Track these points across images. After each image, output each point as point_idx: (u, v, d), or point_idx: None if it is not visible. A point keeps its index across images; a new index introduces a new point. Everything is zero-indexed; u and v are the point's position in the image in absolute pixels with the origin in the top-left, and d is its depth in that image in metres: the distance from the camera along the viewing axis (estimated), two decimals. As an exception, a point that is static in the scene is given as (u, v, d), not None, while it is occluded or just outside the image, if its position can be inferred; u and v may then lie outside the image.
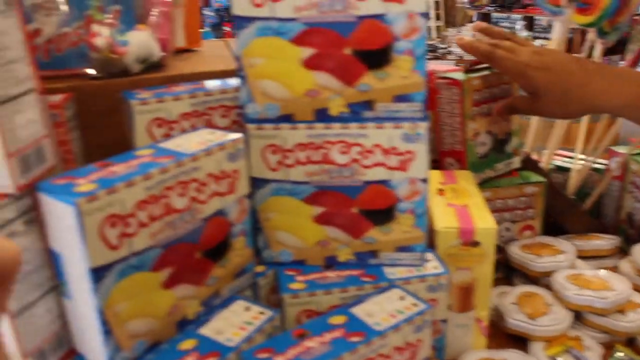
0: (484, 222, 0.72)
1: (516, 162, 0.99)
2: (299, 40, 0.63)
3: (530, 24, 5.44)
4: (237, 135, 0.62)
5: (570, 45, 1.16)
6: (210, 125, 0.70)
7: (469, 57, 0.92)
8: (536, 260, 0.88)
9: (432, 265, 0.70)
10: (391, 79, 0.63)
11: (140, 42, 0.76)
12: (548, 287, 0.86)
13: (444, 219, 0.72)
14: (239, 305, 0.65)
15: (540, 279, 0.89)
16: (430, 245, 0.72)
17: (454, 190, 0.81)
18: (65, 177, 0.52)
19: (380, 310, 0.62)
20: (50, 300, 0.57)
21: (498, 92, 0.94)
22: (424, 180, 0.67)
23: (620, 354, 0.76)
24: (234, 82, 0.72)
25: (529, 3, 5.69)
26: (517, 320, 0.79)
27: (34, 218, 0.54)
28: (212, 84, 0.72)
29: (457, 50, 4.57)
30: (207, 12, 7.50)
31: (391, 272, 0.70)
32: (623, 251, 0.98)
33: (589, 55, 1.08)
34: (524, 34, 5.08)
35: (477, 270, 0.73)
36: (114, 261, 0.52)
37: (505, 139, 0.97)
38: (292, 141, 0.66)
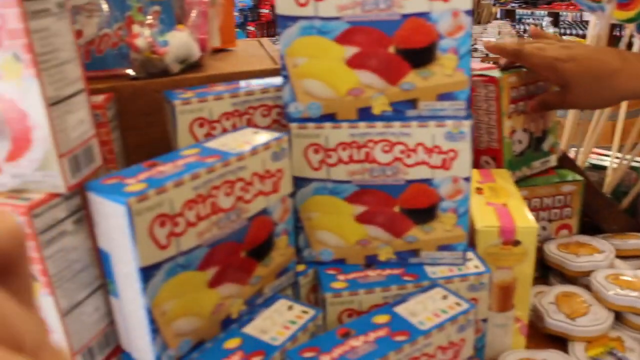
0: (525, 221, 0.71)
1: (553, 160, 0.98)
2: (343, 39, 0.63)
3: (556, 20, 5.39)
4: (281, 135, 0.62)
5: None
6: (251, 124, 0.70)
7: (494, 55, 0.92)
8: (574, 260, 0.87)
9: (473, 264, 0.70)
10: (435, 78, 0.63)
11: (179, 42, 0.76)
12: (586, 286, 0.85)
13: (484, 218, 0.72)
14: (281, 304, 0.65)
15: (579, 279, 0.88)
16: (470, 244, 0.72)
17: (492, 189, 0.80)
18: (115, 177, 0.53)
19: (423, 309, 0.62)
20: (98, 298, 0.57)
21: (534, 89, 0.93)
22: (467, 179, 0.66)
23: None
24: (274, 81, 0.72)
25: (555, -1, 5.66)
26: (556, 320, 0.78)
27: (83, 217, 0.55)
28: (252, 83, 0.72)
29: (483, 47, 4.54)
30: (231, 12, 7.52)
31: (432, 271, 0.70)
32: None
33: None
34: (551, 30, 5.04)
35: (517, 270, 0.72)
36: (162, 260, 0.52)
37: (542, 137, 0.96)
38: (335, 140, 0.66)
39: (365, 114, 0.66)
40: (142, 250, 0.50)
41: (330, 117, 0.66)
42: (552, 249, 0.91)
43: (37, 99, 0.47)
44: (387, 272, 0.70)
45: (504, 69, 0.91)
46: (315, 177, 0.68)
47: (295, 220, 0.69)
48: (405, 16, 0.61)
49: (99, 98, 0.67)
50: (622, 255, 0.93)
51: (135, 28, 0.74)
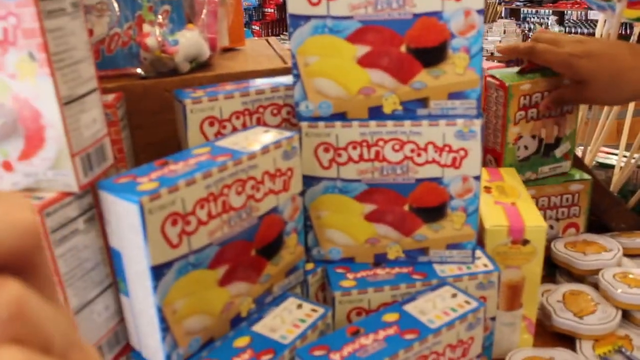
0: (534, 220, 0.71)
1: (565, 166, 0.97)
2: (354, 38, 0.63)
3: (561, 18, 5.38)
4: (292, 134, 0.63)
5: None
6: (260, 123, 0.70)
7: (498, 54, 0.92)
8: (582, 258, 0.87)
9: (482, 263, 0.70)
10: (446, 77, 0.63)
11: (189, 41, 0.76)
12: (594, 285, 0.85)
13: (493, 217, 0.72)
14: (291, 302, 0.65)
15: (586, 277, 0.88)
16: (479, 243, 0.72)
17: (500, 188, 0.80)
18: (127, 176, 0.53)
19: (433, 307, 0.62)
20: (108, 297, 0.58)
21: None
22: (477, 178, 0.66)
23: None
24: (284, 80, 0.72)
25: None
26: (564, 318, 0.78)
27: (94, 216, 0.55)
28: (262, 82, 0.72)
29: (488, 46, 4.54)
30: (235, 11, 7.52)
31: (441, 270, 0.70)
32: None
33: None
34: (556, 28, 5.02)
35: (526, 269, 0.72)
36: (173, 259, 0.52)
37: (554, 144, 0.94)
38: (345, 139, 0.66)
39: (376, 113, 0.66)
40: (154, 249, 0.50)
41: (341, 116, 0.66)
42: (559, 248, 0.91)
43: (51, 98, 0.48)
44: (396, 270, 0.70)
45: (520, 72, 0.90)
46: (325, 176, 0.68)
47: (304, 219, 0.69)
48: (417, 15, 0.61)
49: (109, 97, 0.67)
50: (630, 254, 0.93)
51: (146, 27, 0.74)
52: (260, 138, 0.61)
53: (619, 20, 1.00)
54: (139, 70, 0.77)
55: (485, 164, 0.93)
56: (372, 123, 0.65)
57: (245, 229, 0.59)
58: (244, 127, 0.69)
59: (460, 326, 0.61)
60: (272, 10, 7.88)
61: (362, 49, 0.63)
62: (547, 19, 5.78)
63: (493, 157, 0.92)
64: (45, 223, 0.49)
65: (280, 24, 7.79)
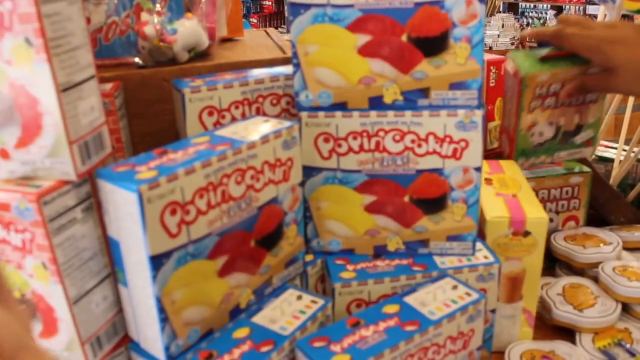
0: (535, 211, 0.71)
1: (586, 152, 0.93)
2: (355, 27, 0.62)
3: (559, 13, 5.36)
4: (292, 123, 0.62)
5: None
6: (260, 113, 0.70)
7: (498, 48, 0.90)
8: (581, 251, 0.87)
9: (483, 255, 0.70)
10: (447, 67, 0.63)
11: (188, 30, 0.75)
12: (593, 278, 0.85)
13: (494, 209, 0.72)
14: (290, 294, 0.65)
15: (586, 270, 0.88)
16: (479, 235, 0.71)
17: (501, 180, 0.80)
18: (125, 165, 0.52)
19: (433, 299, 0.62)
20: (106, 287, 0.57)
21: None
22: (478, 169, 0.66)
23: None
24: (284, 70, 0.72)
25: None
26: (563, 311, 0.78)
27: (92, 205, 0.54)
28: (262, 72, 0.71)
29: (486, 40, 4.52)
30: (233, 3, 7.50)
31: (441, 262, 0.69)
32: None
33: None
34: (554, 23, 5.03)
35: (527, 261, 0.72)
36: (172, 249, 0.52)
37: (575, 131, 0.90)
38: (345, 129, 0.66)
39: (376, 103, 0.65)
40: (153, 239, 0.50)
41: (341, 106, 0.66)
42: (559, 241, 0.91)
43: (48, 85, 0.47)
44: (396, 262, 0.70)
45: (544, 58, 0.85)
46: (325, 167, 0.68)
47: (304, 210, 0.69)
48: (419, 4, 0.61)
49: (107, 86, 0.67)
50: (629, 247, 0.93)
51: (144, 16, 0.74)
52: (260, 128, 0.61)
53: (619, 13, 0.99)
54: (136, 60, 0.77)
55: (501, 141, 0.90)
56: (373, 113, 0.65)
57: (244, 219, 0.58)
58: (243, 116, 0.69)
59: (461, 318, 0.61)
60: (270, 3, 7.87)
61: (362, 38, 0.63)
62: (546, 13, 5.77)
63: (507, 137, 0.90)
64: (43, 212, 0.49)
65: (278, 16, 7.77)
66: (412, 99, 0.65)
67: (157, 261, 0.51)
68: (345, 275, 0.67)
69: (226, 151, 0.55)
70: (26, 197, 0.48)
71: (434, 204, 0.68)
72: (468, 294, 0.63)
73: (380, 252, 0.72)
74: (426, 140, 0.65)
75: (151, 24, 0.73)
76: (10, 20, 0.45)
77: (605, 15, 1.06)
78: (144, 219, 0.49)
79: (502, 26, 4.50)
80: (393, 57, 0.63)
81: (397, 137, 0.65)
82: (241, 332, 0.59)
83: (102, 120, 0.55)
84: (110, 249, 0.55)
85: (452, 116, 0.64)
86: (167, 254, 0.51)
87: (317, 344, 0.56)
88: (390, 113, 0.65)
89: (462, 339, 0.62)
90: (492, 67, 1.01)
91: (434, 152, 0.65)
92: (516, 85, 0.85)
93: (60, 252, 0.51)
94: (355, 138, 0.66)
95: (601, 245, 0.88)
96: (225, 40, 0.94)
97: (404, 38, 0.62)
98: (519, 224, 0.70)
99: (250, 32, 1.04)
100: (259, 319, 0.61)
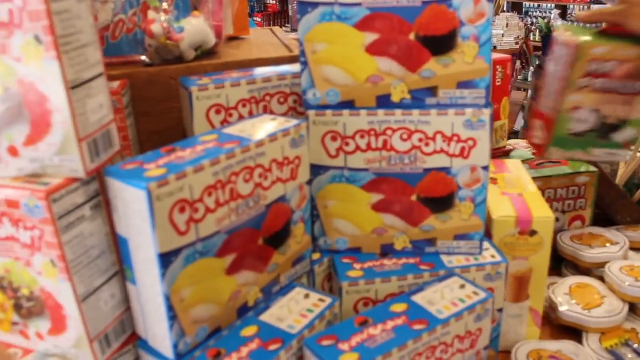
0: (541, 211, 0.71)
1: (623, 155, 0.84)
2: (363, 25, 0.62)
3: (563, 12, 5.35)
4: (300, 121, 0.62)
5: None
6: (267, 111, 0.70)
7: (502, 47, 0.87)
8: (588, 251, 0.87)
9: (490, 254, 0.69)
10: (455, 65, 0.63)
11: (195, 28, 0.75)
12: (599, 278, 0.84)
13: (501, 208, 0.72)
14: (297, 292, 0.65)
15: (592, 270, 0.87)
16: (485, 234, 0.71)
17: (506, 179, 0.80)
18: (134, 162, 0.52)
19: (440, 298, 0.62)
20: (115, 285, 0.57)
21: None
22: (485, 168, 0.66)
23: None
24: (291, 68, 0.71)
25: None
26: (570, 311, 0.78)
27: (100, 203, 0.54)
28: (269, 70, 0.71)
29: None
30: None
31: (448, 260, 0.69)
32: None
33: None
34: (559, 22, 5.00)
35: (533, 260, 0.72)
36: (181, 246, 0.52)
37: (616, 126, 0.80)
38: (353, 128, 0.66)
39: (383, 102, 0.65)
40: (161, 236, 0.50)
41: (348, 104, 0.66)
42: (565, 240, 0.91)
43: (57, 82, 0.47)
44: (403, 261, 0.70)
45: (601, 32, 0.75)
46: (332, 165, 0.68)
47: (311, 209, 0.69)
48: (426, 2, 0.61)
49: (114, 84, 0.67)
50: (636, 247, 0.93)
51: (151, 14, 0.74)
52: (268, 126, 0.61)
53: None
54: (143, 58, 0.77)
55: (532, 128, 0.83)
56: (380, 111, 0.65)
57: (252, 217, 0.58)
58: (250, 115, 0.69)
59: (468, 317, 0.61)
60: (274, 2, 7.86)
61: (370, 37, 0.63)
62: (550, 12, 5.75)
63: (543, 122, 0.81)
64: (52, 209, 0.49)
65: (282, 15, 7.76)
66: (420, 98, 0.65)
67: (165, 259, 0.51)
68: (352, 273, 0.67)
69: (234, 149, 0.55)
70: (35, 194, 0.48)
71: (442, 203, 0.68)
72: (476, 293, 0.63)
73: (387, 250, 0.71)
74: (434, 138, 0.65)
75: (158, 22, 0.73)
76: (20, 17, 0.45)
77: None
78: (153, 217, 0.49)
79: (507, 25, 4.49)
80: (401, 55, 0.63)
81: (405, 136, 0.65)
82: (249, 330, 0.59)
83: (111, 117, 0.55)
84: (118, 247, 0.55)
85: (459, 115, 0.64)
86: (175, 252, 0.51)
87: (325, 343, 0.56)
88: (398, 111, 0.64)
89: (470, 337, 0.62)
90: (498, 66, 1.01)
91: (442, 150, 0.65)
92: (567, 56, 0.75)
93: (69, 250, 0.51)
94: (362, 136, 0.66)
95: (607, 244, 0.88)
96: (231, 38, 0.94)
97: (411, 36, 0.62)
98: (525, 223, 0.70)
99: (256, 30, 1.04)
100: (266, 317, 0.61)
